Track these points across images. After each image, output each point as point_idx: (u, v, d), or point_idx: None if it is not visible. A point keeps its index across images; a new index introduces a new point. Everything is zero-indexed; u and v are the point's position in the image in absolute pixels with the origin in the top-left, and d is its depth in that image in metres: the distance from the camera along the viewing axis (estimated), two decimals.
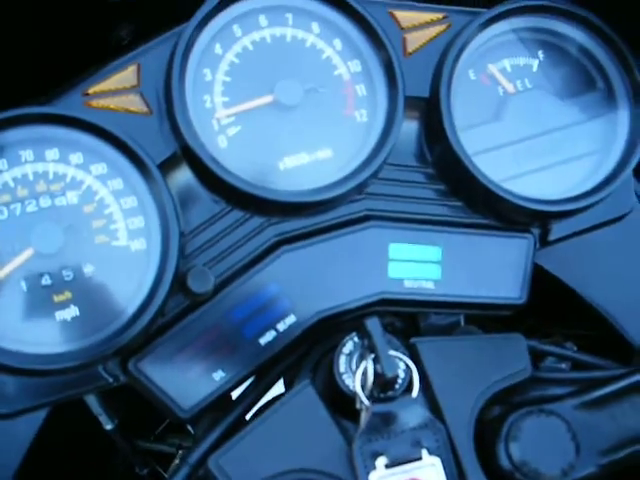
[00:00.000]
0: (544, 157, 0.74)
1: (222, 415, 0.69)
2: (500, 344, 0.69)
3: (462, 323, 0.78)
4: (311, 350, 0.72)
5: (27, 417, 0.71)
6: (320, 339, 0.72)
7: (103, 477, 1.04)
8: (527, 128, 0.74)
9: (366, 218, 0.71)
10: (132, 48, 0.84)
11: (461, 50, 0.72)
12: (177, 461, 0.90)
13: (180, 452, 0.98)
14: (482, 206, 0.73)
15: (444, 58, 0.71)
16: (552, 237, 0.75)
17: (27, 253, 0.63)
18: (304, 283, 0.69)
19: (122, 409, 0.89)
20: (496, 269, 0.73)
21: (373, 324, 0.64)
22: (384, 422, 0.63)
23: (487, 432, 0.66)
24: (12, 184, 0.65)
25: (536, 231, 0.75)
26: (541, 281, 0.75)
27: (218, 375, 0.67)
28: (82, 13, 0.77)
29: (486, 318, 0.79)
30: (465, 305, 0.73)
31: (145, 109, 0.67)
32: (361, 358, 0.66)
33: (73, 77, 0.82)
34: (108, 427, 0.81)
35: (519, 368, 0.68)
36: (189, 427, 0.90)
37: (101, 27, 0.82)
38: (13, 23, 0.72)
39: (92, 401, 0.81)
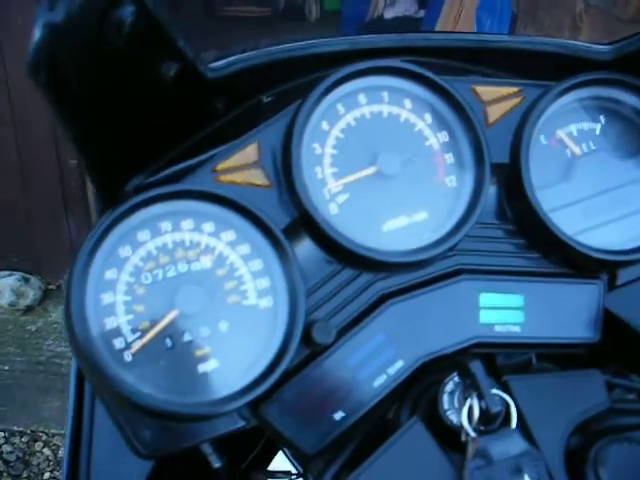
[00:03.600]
0: (611, 211, 0.84)
1: (340, 449, 0.78)
2: (580, 379, 0.79)
3: (534, 361, 0.87)
4: (409, 389, 0.81)
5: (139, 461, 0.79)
6: (417, 378, 0.80)
7: None
8: (594, 186, 0.84)
9: (458, 272, 0.80)
10: (226, 119, 0.94)
11: (536, 120, 0.82)
12: None
13: None
14: (557, 257, 0.83)
15: (522, 128, 0.81)
16: (620, 282, 0.84)
17: (172, 314, 0.72)
18: (408, 332, 0.78)
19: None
20: (571, 312, 0.82)
21: (476, 366, 0.73)
22: (489, 451, 0.72)
23: (576, 458, 0.74)
24: (155, 252, 0.73)
25: (604, 277, 0.84)
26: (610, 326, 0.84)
27: (339, 415, 0.75)
28: (185, 90, 0.86)
29: (557, 357, 0.88)
30: (547, 345, 0.82)
31: (266, 182, 0.76)
32: (464, 395, 0.74)
33: (179, 146, 0.91)
34: (216, 465, 0.88)
35: (599, 400, 0.77)
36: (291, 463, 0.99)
37: (200, 101, 0.91)
38: (131, 105, 0.81)
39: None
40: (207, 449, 0.88)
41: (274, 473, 1.16)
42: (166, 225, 0.74)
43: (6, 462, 2.51)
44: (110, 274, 0.71)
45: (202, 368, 0.72)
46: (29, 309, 2.80)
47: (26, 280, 2.79)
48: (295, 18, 2.67)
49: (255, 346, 0.73)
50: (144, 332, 0.71)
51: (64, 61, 0.60)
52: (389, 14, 2.71)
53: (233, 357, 0.73)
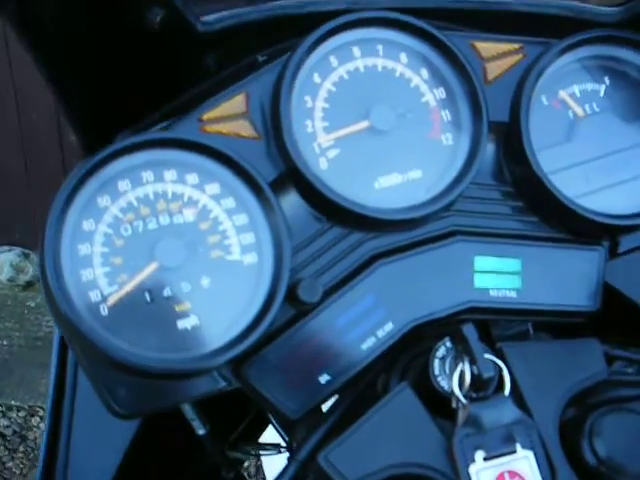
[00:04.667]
0: (613, 175, 0.80)
1: (324, 416, 0.75)
2: (578, 348, 0.75)
3: (531, 331, 0.83)
4: (399, 356, 0.78)
5: (123, 424, 0.77)
6: (407, 346, 0.77)
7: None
8: (597, 148, 0.81)
9: (453, 233, 0.77)
10: (218, 76, 0.91)
11: (537, 78, 0.78)
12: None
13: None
14: (557, 221, 0.80)
15: (522, 85, 0.78)
16: (621, 249, 0.81)
17: (152, 267, 0.69)
18: (399, 293, 0.75)
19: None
20: (571, 279, 0.79)
21: (469, 330, 0.70)
22: (480, 419, 0.69)
23: (570, 430, 0.71)
24: (135, 203, 0.70)
25: (606, 244, 0.81)
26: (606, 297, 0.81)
27: (324, 378, 0.72)
28: (175, 44, 0.83)
29: (554, 327, 0.85)
30: (544, 312, 0.79)
31: (254, 134, 0.73)
32: (456, 361, 0.71)
33: (168, 103, 0.88)
34: (200, 432, 0.86)
35: (597, 370, 0.74)
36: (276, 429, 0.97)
37: (191, 56, 0.88)
38: (114, 53, 0.78)
39: (186, 408, 0.86)
40: (190, 414, 0.86)
41: (263, 445, 1.14)
42: (148, 175, 0.71)
43: (3, 436, 2.50)
44: (88, 225, 0.69)
45: (181, 324, 0.69)
46: (28, 285, 2.78)
47: (26, 256, 2.77)
48: None
49: (238, 303, 0.70)
50: (121, 285, 0.68)
51: None
52: None
53: (214, 314, 0.70)
